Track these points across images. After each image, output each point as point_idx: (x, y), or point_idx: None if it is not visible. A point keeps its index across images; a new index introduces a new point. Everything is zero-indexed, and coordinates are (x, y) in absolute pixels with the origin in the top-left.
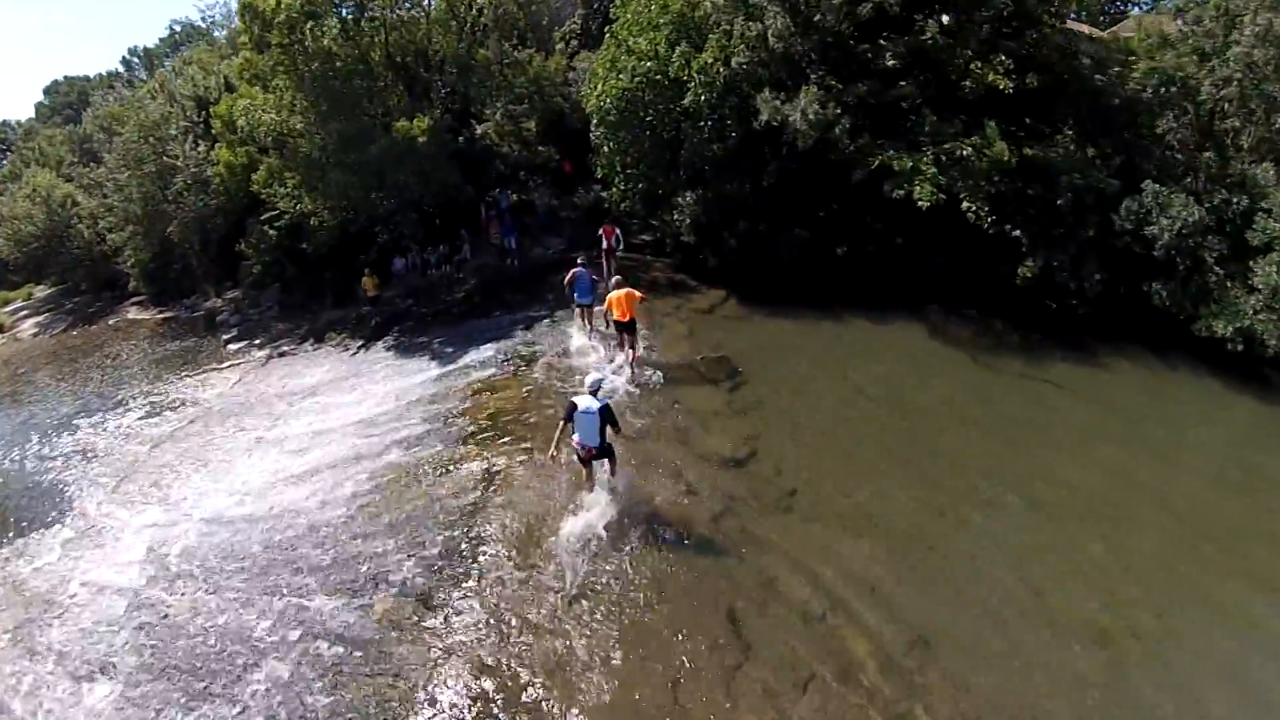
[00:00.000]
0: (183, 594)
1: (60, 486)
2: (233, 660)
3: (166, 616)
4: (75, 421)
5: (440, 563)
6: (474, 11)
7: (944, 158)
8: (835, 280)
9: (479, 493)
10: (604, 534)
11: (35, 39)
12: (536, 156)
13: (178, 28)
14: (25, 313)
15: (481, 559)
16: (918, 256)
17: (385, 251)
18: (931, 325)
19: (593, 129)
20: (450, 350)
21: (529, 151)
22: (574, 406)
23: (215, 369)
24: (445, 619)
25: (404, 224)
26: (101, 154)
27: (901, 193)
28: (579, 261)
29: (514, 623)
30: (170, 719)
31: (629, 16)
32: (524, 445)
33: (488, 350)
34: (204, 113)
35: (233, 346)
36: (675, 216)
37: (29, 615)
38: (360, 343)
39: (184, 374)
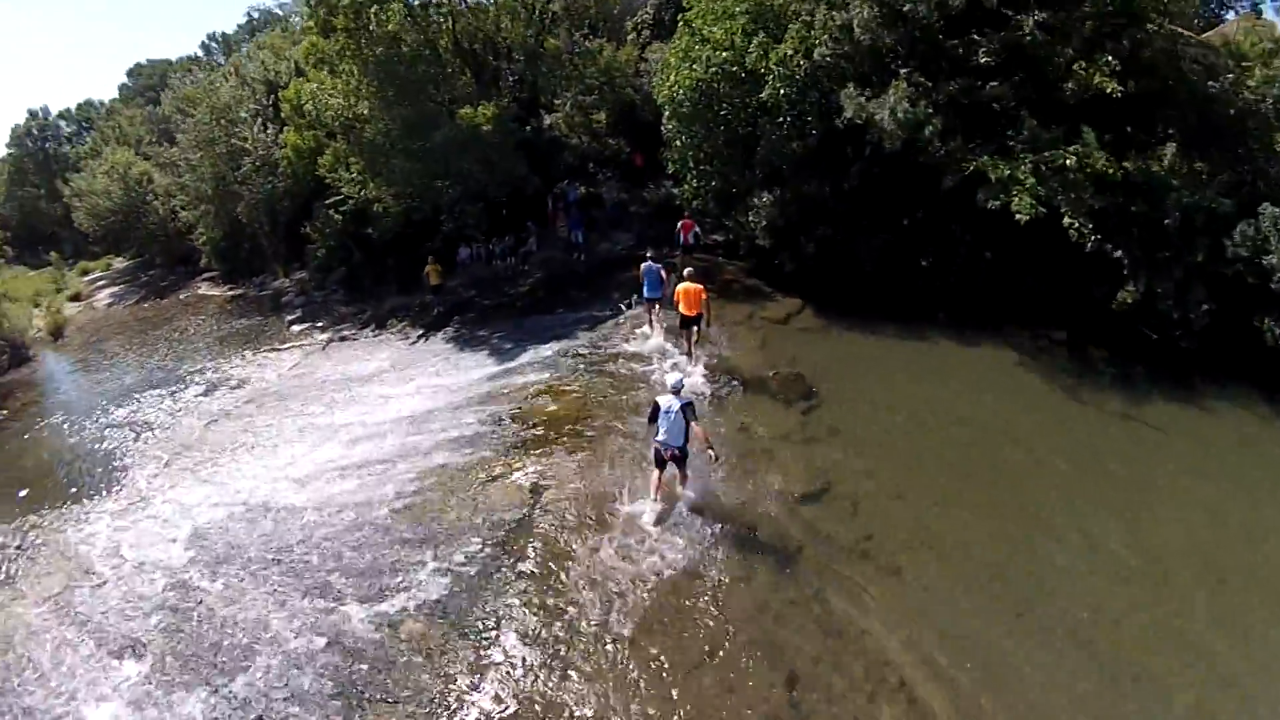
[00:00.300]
0: (220, 581)
1: (116, 456)
2: (256, 661)
3: (201, 602)
4: (137, 393)
5: (477, 583)
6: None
7: (1044, 167)
8: (918, 293)
9: (526, 507)
10: (660, 567)
11: (122, 23)
12: (606, 149)
13: (255, 14)
14: (103, 283)
15: (522, 584)
16: (1007, 273)
17: (450, 240)
18: (1020, 349)
19: (665, 122)
20: (510, 347)
21: (599, 143)
22: (657, 407)
23: (277, 349)
24: (475, 651)
25: (469, 213)
26: (177, 134)
27: (997, 203)
28: (648, 256)
29: (549, 663)
30: (187, 712)
31: (704, 4)
32: (578, 457)
33: (548, 349)
34: (274, 96)
35: (296, 328)
36: (750, 217)
37: (72, 582)
38: (421, 332)
39: (246, 352)
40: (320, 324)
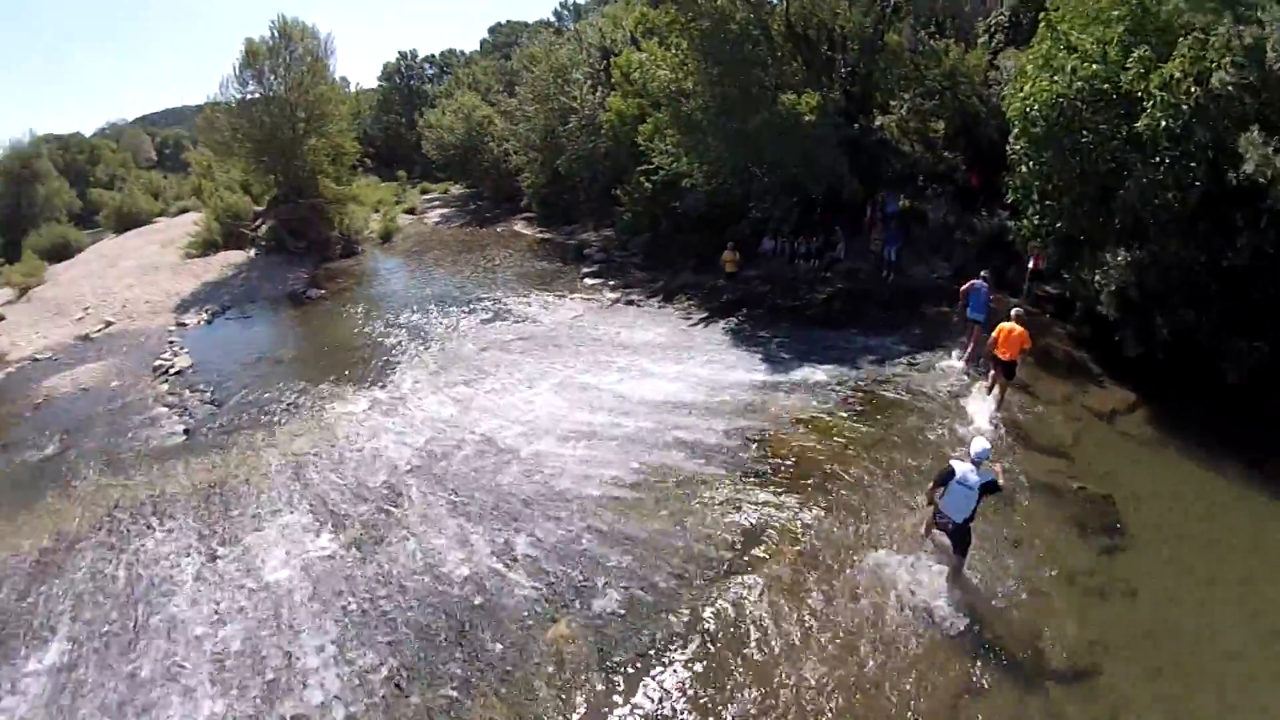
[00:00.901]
0: (428, 497)
1: (394, 353)
2: (418, 589)
3: (404, 510)
4: (433, 304)
5: (646, 617)
6: None
7: None
8: None
9: (737, 551)
10: (857, 680)
11: None
12: (939, 162)
13: None
14: (437, 204)
15: (694, 641)
16: None
17: (756, 229)
18: None
19: (1011, 141)
20: (786, 357)
21: (932, 155)
22: (951, 473)
23: (564, 297)
24: (608, 689)
25: (779, 205)
26: (518, 87)
27: None
28: (982, 274)
29: None
30: (341, 604)
31: (1072, 4)
32: (815, 512)
33: (824, 372)
34: (606, 62)
35: (588, 281)
36: (1096, 276)
37: (314, 449)
38: (704, 315)
39: (536, 293)
40: (611, 283)
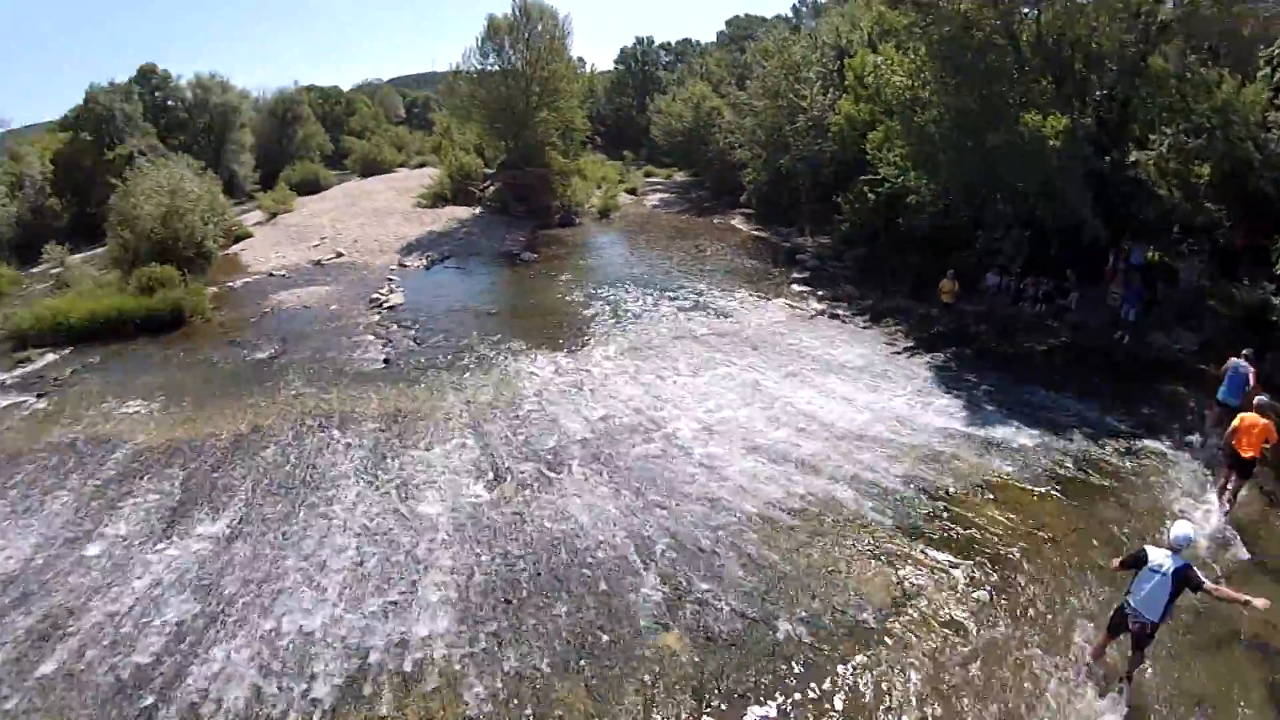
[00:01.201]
0: (586, 471)
1: (589, 323)
2: (551, 559)
3: (561, 478)
4: (636, 283)
5: (762, 653)
6: (1156, 2)
7: None
8: None
9: (879, 614)
10: None
11: None
12: (1199, 213)
13: None
14: (658, 187)
15: (794, 702)
16: None
17: (982, 261)
18: None
19: None
20: (989, 409)
21: (1191, 204)
22: (1144, 557)
23: (768, 300)
24: (688, 716)
25: (1008, 237)
26: (749, 81)
27: None
28: (1245, 353)
29: None
30: (477, 553)
31: None
32: (981, 595)
33: (1029, 436)
34: (840, 63)
35: (796, 288)
36: None
37: (494, 402)
38: (910, 345)
39: (740, 291)
40: (819, 293)
